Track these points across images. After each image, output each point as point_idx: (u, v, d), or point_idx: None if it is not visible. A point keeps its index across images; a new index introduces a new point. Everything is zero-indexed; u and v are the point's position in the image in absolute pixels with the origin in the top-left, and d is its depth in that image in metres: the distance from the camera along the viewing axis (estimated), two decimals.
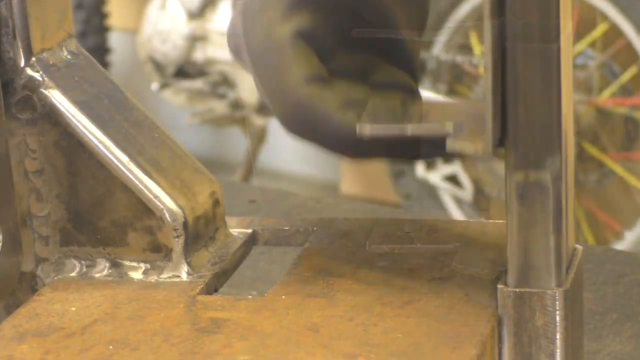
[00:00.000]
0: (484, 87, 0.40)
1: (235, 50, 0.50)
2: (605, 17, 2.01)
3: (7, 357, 0.41)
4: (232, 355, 0.41)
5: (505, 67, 0.40)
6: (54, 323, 0.44)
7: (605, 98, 2.13)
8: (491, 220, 0.52)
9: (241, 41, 0.49)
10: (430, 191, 2.37)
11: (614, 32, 2.03)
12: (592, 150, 2.13)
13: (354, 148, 0.47)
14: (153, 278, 0.47)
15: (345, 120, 0.46)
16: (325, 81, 0.48)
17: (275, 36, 0.48)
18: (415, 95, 0.50)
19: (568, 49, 0.41)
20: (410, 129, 0.43)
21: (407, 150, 0.49)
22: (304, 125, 0.47)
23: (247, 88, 2.51)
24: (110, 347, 0.42)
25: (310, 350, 0.41)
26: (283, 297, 0.45)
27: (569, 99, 0.41)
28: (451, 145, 0.41)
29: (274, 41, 0.48)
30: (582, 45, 2.06)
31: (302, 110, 0.47)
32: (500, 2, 0.39)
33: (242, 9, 0.49)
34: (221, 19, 2.50)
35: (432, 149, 0.46)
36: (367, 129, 0.43)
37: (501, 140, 0.41)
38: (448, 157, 0.44)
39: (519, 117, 0.40)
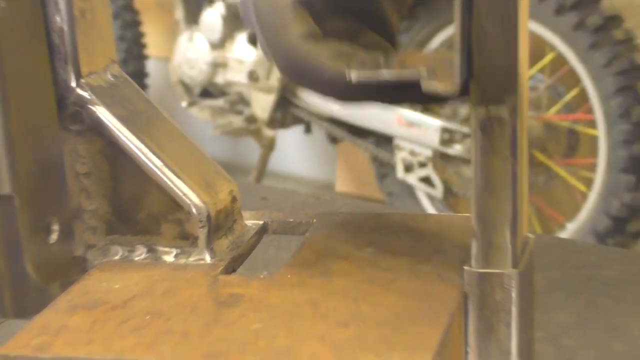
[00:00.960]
0: (454, 36, 0.40)
1: (246, 15, 0.50)
2: (552, 48, 2.01)
3: (62, 327, 0.41)
4: (247, 324, 0.41)
5: (471, 19, 0.40)
6: (100, 298, 0.44)
7: (551, 114, 2.13)
8: (458, 214, 0.52)
9: (250, 8, 0.49)
10: (409, 190, 2.37)
11: (560, 59, 2.02)
12: (541, 157, 2.12)
13: (344, 92, 0.47)
14: (182, 261, 0.47)
15: (335, 68, 0.45)
16: (319, 38, 0.48)
17: (279, 3, 0.48)
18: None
19: (525, 3, 0.41)
20: (391, 75, 0.43)
21: (389, 94, 0.49)
22: (302, 74, 0.47)
23: (259, 106, 2.51)
24: (147, 317, 0.42)
25: (311, 320, 0.41)
26: (288, 276, 0.45)
27: (525, 46, 0.41)
28: (425, 86, 0.41)
29: (277, 7, 0.48)
30: (533, 70, 2.06)
31: (300, 61, 0.47)
32: None
33: None
34: (238, 49, 2.50)
35: (410, 92, 0.45)
36: (354, 75, 0.43)
37: (467, 80, 0.41)
38: (424, 100, 0.43)
39: (482, 60, 0.40)
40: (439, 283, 0.44)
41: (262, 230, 0.52)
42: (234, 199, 0.49)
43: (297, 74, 0.48)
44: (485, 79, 0.41)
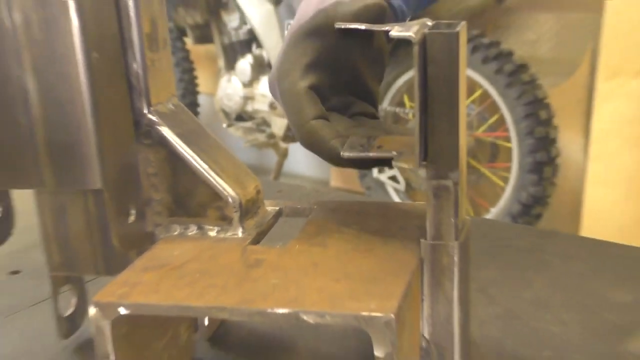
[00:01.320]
0: (415, 128, 0.40)
1: (273, 94, 0.50)
2: (480, 86, 2.02)
3: (137, 282, 0.41)
4: (267, 280, 0.40)
5: (427, 119, 0.40)
6: (164, 262, 0.43)
7: (479, 132, 2.14)
8: (417, 202, 0.52)
9: (276, 89, 0.49)
10: (381, 185, 2.37)
11: (485, 95, 2.04)
12: (472, 162, 2.14)
13: (339, 162, 0.47)
14: (221, 235, 0.47)
15: (334, 146, 0.46)
16: (325, 119, 0.47)
17: (296, 88, 0.47)
18: (377, 124, 0.50)
19: (463, 105, 0.40)
20: (372, 155, 0.44)
21: (369, 165, 0.50)
22: (312, 146, 0.47)
23: (277, 127, 2.51)
24: (197, 275, 0.41)
25: (313, 277, 0.40)
26: (297, 246, 0.45)
27: (464, 139, 0.41)
28: (395, 163, 0.43)
29: (295, 92, 0.47)
30: (467, 102, 2.06)
31: (311, 137, 0.47)
32: (424, 77, 0.39)
33: (277, 69, 0.49)
34: (262, 87, 2.50)
35: (384, 164, 0.46)
36: (346, 154, 0.44)
37: (424, 160, 0.41)
38: (393, 166, 0.43)
39: (434, 147, 0.40)
40: (403, 251, 0.43)
41: (278, 214, 0.51)
42: (258, 192, 0.49)
43: (308, 145, 0.47)
44: (436, 161, 0.41)
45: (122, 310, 0.39)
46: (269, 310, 0.37)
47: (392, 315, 0.35)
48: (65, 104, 0.41)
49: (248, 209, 0.47)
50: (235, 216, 0.46)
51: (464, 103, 0.41)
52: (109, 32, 0.43)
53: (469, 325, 0.44)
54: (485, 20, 2.22)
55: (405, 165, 0.42)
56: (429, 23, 0.40)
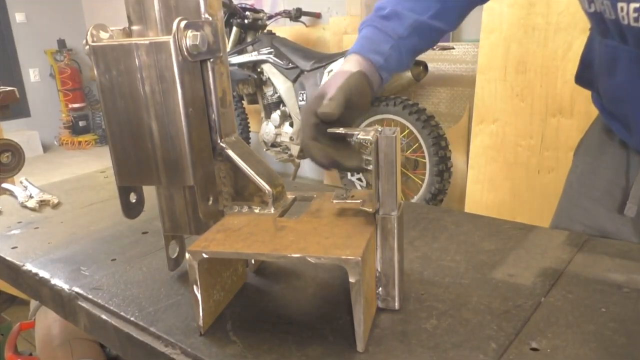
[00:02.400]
0: (373, 187, 0.40)
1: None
2: (407, 127, 2.02)
3: (213, 239, 0.40)
4: (288, 237, 0.39)
5: (379, 180, 0.40)
6: (228, 227, 0.43)
7: (407, 154, 2.13)
8: (371, 190, 0.51)
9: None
10: (353, 183, 2.36)
11: (410, 132, 2.03)
12: (404, 170, 2.13)
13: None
14: (262, 212, 0.46)
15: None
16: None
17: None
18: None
19: (399, 173, 0.40)
20: (349, 202, 0.43)
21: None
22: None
23: (294, 150, 2.49)
24: (247, 234, 0.40)
25: (313, 236, 0.39)
26: (305, 218, 0.44)
27: (399, 190, 0.41)
28: (362, 207, 0.41)
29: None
30: (401, 136, 2.06)
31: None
32: (377, 159, 0.39)
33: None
34: (285, 128, 2.48)
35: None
36: (334, 200, 0.44)
37: (378, 204, 0.40)
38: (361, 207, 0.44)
39: (383, 197, 0.40)
40: (366, 222, 0.42)
41: (294, 200, 0.50)
42: (282, 187, 0.48)
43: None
44: (385, 206, 0.40)
45: (204, 255, 0.38)
46: (288, 254, 0.37)
47: (359, 258, 0.35)
48: (173, 138, 0.40)
49: (276, 196, 0.46)
50: (269, 201, 0.45)
51: (399, 172, 0.40)
52: (198, 96, 0.42)
53: (403, 263, 0.43)
54: (410, 91, 2.22)
55: (367, 209, 0.40)
56: (380, 129, 0.40)
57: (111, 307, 0.45)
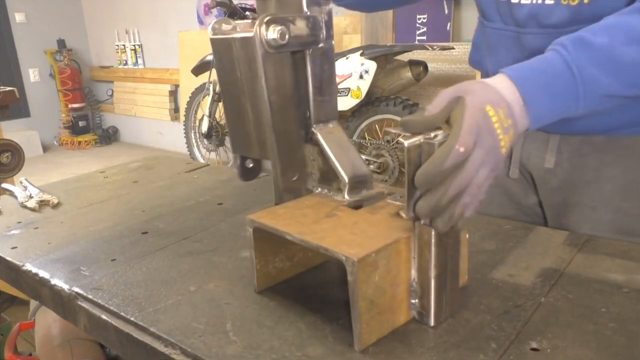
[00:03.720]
0: (405, 193, 0.38)
1: None
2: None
3: (274, 212, 0.43)
4: (325, 226, 0.40)
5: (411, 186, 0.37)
6: (295, 205, 0.45)
7: None
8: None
9: None
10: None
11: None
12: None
13: None
14: (334, 197, 0.47)
15: None
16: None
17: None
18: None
19: None
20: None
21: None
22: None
23: None
24: (300, 214, 0.43)
25: (345, 229, 0.40)
26: (361, 211, 0.44)
27: None
28: (400, 210, 0.42)
29: None
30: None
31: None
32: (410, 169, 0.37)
33: None
34: None
35: None
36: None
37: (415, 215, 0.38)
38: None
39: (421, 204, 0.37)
40: (406, 227, 0.39)
41: (382, 194, 0.47)
42: (367, 177, 0.47)
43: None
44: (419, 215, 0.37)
45: (255, 225, 0.42)
46: (305, 240, 0.38)
47: (356, 259, 0.35)
48: (260, 118, 0.45)
49: (353, 186, 0.45)
50: (344, 188, 0.45)
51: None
52: (284, 84, 0.44)
53: (447, 279, 0.39)
54: (410, 91, 2.22)
55: (402, 215, 0.38)
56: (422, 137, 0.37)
57: (111, 307, 0.45)
